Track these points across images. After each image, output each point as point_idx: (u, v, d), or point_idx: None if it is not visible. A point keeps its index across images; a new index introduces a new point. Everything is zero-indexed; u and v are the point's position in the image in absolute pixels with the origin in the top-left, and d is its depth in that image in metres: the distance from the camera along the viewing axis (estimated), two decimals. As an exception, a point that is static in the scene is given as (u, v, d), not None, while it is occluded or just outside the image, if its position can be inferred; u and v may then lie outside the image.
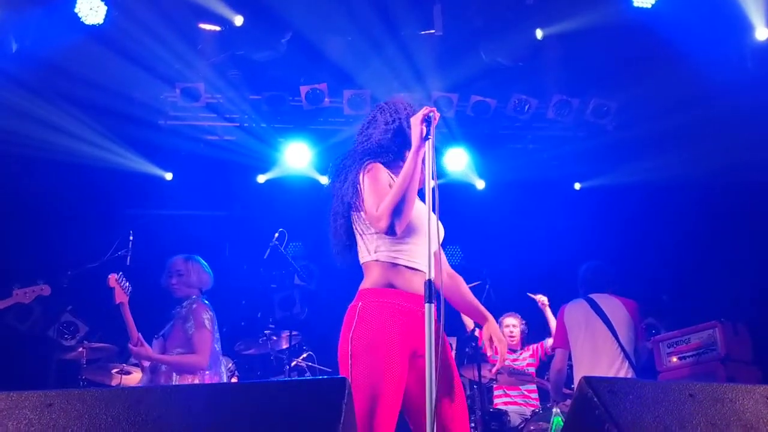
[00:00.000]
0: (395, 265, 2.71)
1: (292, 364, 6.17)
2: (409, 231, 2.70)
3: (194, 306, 4.38)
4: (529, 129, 7.53)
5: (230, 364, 6.35)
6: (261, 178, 7.79)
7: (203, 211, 7.60)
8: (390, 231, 2.60)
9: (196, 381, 4.24)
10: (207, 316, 4.37)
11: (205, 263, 4.72)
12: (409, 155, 2.64)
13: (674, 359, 5.45)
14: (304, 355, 6.38)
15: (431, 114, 2.63)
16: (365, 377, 2.50)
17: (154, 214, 7.21)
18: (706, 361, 5.15)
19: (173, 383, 4.14)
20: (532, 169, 7.52)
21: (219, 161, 7.39)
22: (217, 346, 4.44)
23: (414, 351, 2.62)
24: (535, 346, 6.34)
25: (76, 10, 5.67)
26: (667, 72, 6.42)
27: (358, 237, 2.83)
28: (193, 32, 6.31)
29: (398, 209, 2.58)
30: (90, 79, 6.25)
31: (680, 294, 7.07)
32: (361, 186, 2.76)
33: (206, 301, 4.50)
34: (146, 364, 4.31)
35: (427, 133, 2.59)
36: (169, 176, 7.66)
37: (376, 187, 2.70)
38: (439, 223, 2.75)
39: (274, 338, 6.36)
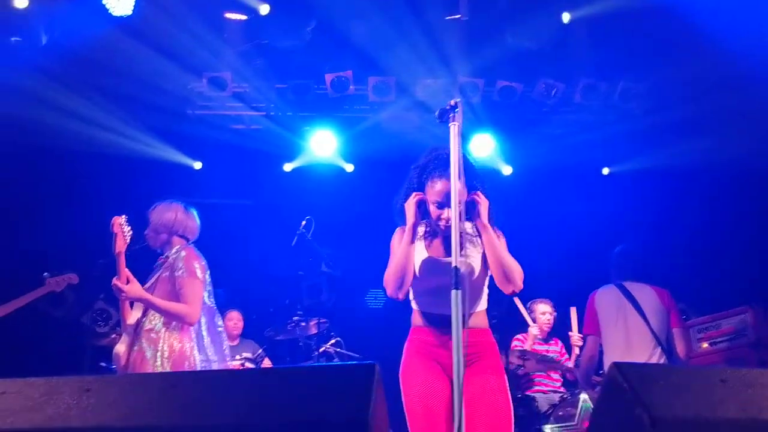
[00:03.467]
0: (426, 312, 3.15)
1: (321, 350, 6.22)
2: (436, 281, 3.02)
3: (183, 253, 3.89)
4: (556, 113, 7.45)
5: (260, 350, 6.44)
6: (287, 167, 7.84)
7: (231, 199, 7.67)
8: (393, 297, 3.06)
9: (186, 344, 3.74)
10: (198, 264, 3.87)
11: (192, 210, 4.24)
12: (405, 235, 3.03)
13: (705, 345, 5.39)
14: (332, 341, 6.42)
15: (455, 103, 2.68)
16: (407, 402, 2.98)
17: (183, 202, 7.29)
18: (737, 347, 5.08)
19: (160, 347, 3.68)
20: (559, 154, 7.43)
21: (246, 150, 7.44)
22: (210, 301, 3.97)
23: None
24: (562, 347, 6.28)
25: (104, 2, 5.73)
26: (697, 55, 6.30)
27: None
28: (220, 22, 6.36)
29: (396, 282, 3.03)
30: (118, 69, 6.34)
31: (710, 279, 6.98)
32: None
33: (196, 249, 4.02)
34: (129, 321, 3.79)
35: (415, 220, 3.03)
36: (197, 165, 7.74)
37: (390, 255, 3.15)
38: (466, 260, 3.06)
39: (303, 324, 6.41)
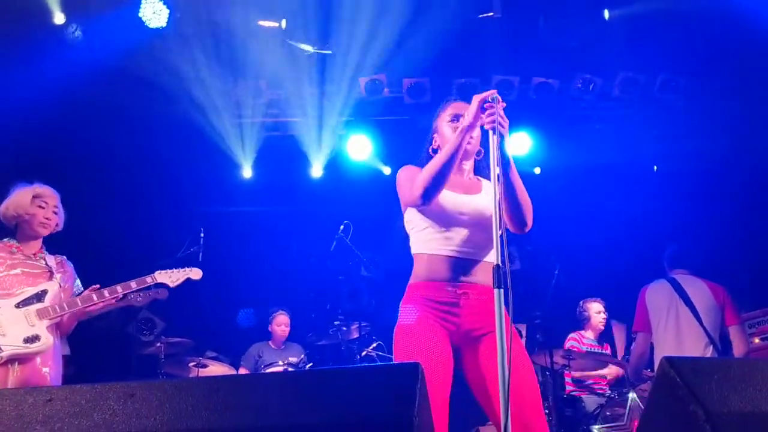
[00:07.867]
0: (436, 255, 2.78)
1: (363, 353, 6.23)
2: (452, 221, 2.77)
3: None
4: (594, 109, 7.32)
5: (302, 355, 6.47)
6: (324, 172, 7.85)
7: (269, 206, 7.71)
8: (424, 200, 2.69)
9: None
10: None
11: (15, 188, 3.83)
12: (458, 129, 2.72)
13: (756, 340, 5.22)
14: (374, 345, 6.42)
15: (493, 98, 2.60)
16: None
17: (222, 210, 7.36)
18: (790, 341, 4.92)
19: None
20: (599, 150, 7.31)
21: (283, 156, 7.48)
22: None
23: (463, 336, 2.71)
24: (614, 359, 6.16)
25: (140, 15, 5.84)
26: (739, 45, 6.15)
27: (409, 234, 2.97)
28: (254, 29, 6.40)
29: (434, 180, 2.66)
30: (156, 80, 6.42)
31: (759, 273, 6.77)
32: (398, 184, 2.97)
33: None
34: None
35: (474, 118, 2.66)
36: (234, 173, 7.80)
37: (408, 174, 2.90)
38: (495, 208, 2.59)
39: (344, 329, 6.42)
